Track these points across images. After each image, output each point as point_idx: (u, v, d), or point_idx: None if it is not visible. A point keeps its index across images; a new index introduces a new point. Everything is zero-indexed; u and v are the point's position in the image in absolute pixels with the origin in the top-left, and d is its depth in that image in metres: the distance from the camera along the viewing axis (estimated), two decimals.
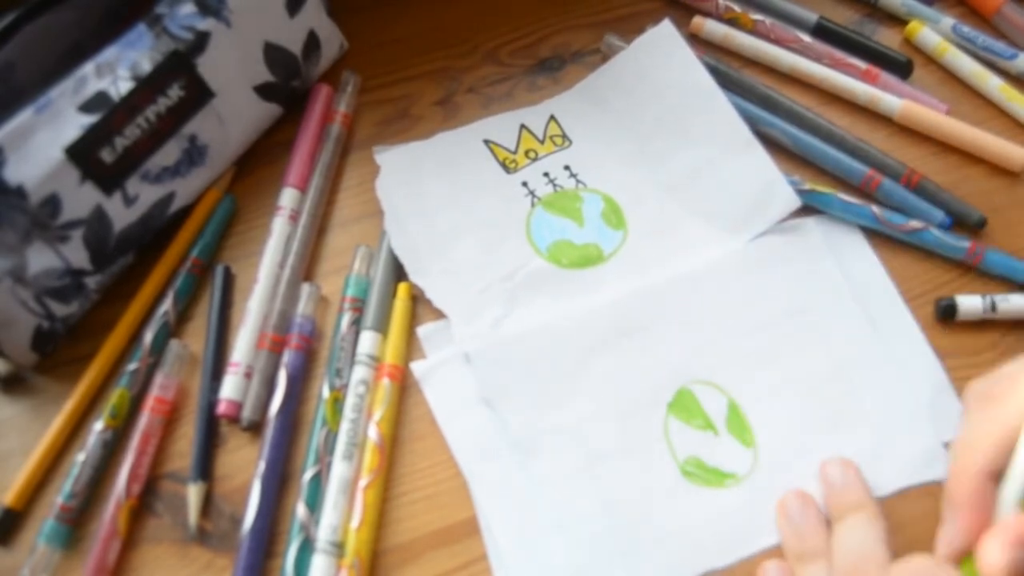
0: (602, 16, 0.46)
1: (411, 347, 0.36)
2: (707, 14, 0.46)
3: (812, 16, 0.45)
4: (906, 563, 0.27)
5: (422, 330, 0.36)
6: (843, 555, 0.29)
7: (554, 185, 0.40)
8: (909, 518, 0.31)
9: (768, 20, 0.45)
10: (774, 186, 0.38)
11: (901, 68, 0.43)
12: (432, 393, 0.34)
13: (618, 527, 0.31)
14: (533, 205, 0.39)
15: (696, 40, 0.45)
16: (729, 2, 0.45)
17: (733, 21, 0.45)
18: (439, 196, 0.39)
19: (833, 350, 0.35)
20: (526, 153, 0.41)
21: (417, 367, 0.35)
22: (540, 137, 0.41)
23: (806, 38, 0.44)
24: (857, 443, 0.33)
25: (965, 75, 0.43)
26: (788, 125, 0.40)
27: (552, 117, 0.42)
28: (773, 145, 0.40)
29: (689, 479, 0.32)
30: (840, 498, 0.30)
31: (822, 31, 0.45)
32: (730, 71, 0.42)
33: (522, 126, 0.42)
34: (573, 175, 0.40)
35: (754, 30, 0.45)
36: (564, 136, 0.41)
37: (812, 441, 0.33)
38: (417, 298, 0.37)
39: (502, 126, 0.42)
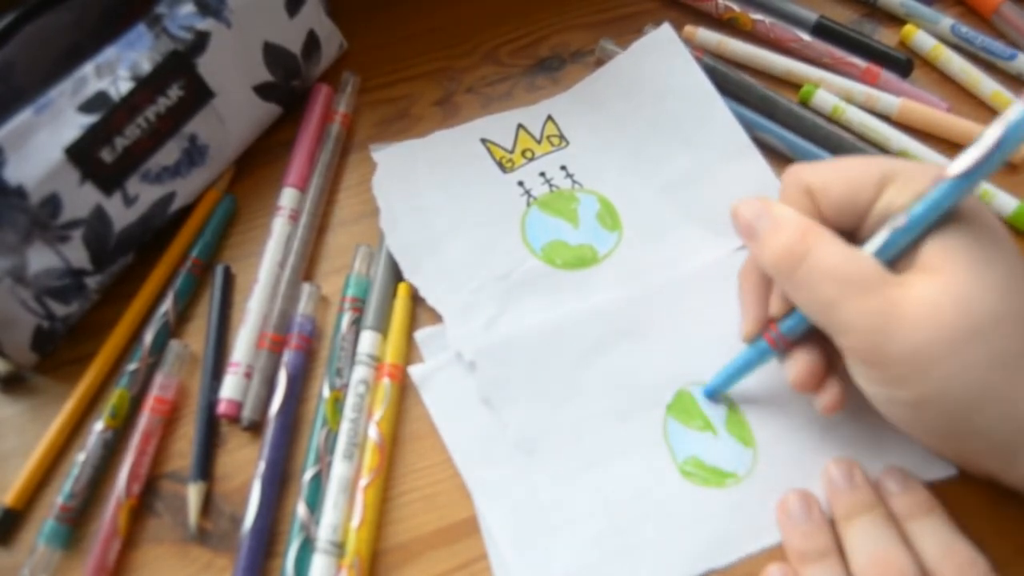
0: (601, 16, 0.46)
1: (411, 347, 0.36)
2: (706, 14, 0.46)
3: (812, 15, 0.45)
4: (952, 558, 0.27)
5: (419, 334, 0.36)
6: (863, 556, 0.28)
7: (550, 185, 0.40)
8: None
9: (767, 20, 0.45)
10: (770, 191, 0.38)
11: (901, 67, 0.43)
12: (430, 397, 0.34)
13: (617, 527, 0.31)
14: (528, 205, 0.39)
15: (689, 46, 0.45)
16: (728, 2, 0.45)
17: (732, 21, 0.45)
18: (435, 194, 0.39)
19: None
20: (523, 153, 0.41)
21: (415, 371, 0.35)
22: (537, 137, 0.41)
23: (806, 37, 0.44)
24: (856, 442, 0.33)
25: (961, 79, 0.43)
26: (784, 130, 0.40)
27: (550, 117, 0.42)
28: (769, 150, 0.40)
29: (689, 479, 0.32)
30: (848, 498, 0.30)
31: (822, 30, 0.45)
32: (728, 71, 0.42)
33: (519, 126, 0.42)
34: (569, 175, 0.40)
35: (753, 30, 0.45)
36: (561, 136, 0.41)
37: (812, 440, 0.33)
38: (417, 298, 0.37)
39: (499, 125, 0.42)
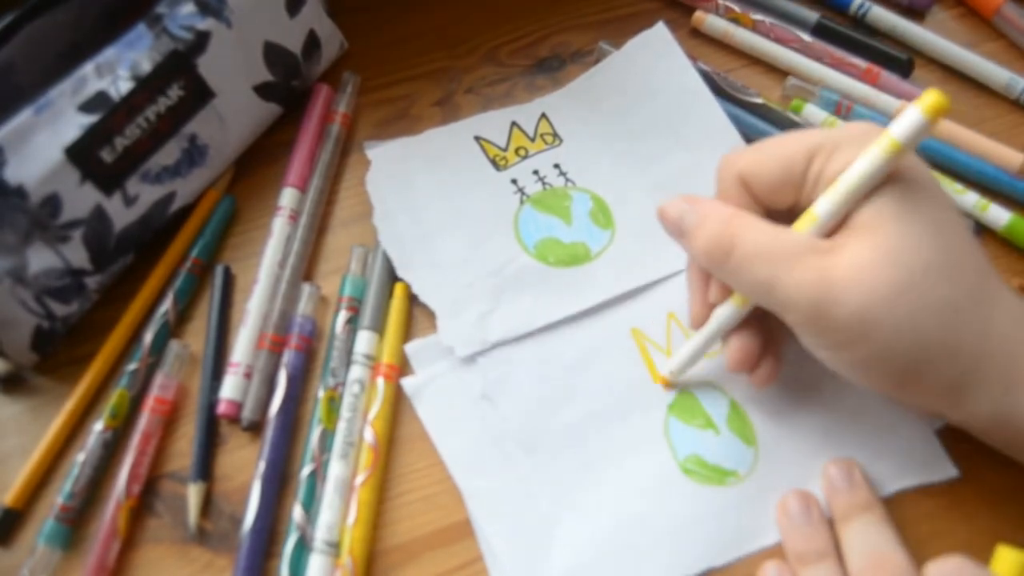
0: (602, 16, 0.46)
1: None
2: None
3: (812, 16, 0.45)
4: (941, 563, 0.27)
5: (410, 347, 0.35)
6: (859, 556, 0.29)
7: (543, 183, 0.40)
8: (909, 519, 0.31)
9: (768, 20, 0.45)
10: None
11: (902, 67, 0.43)
12: (423, 409, 0.34)
13: (618, 525, 0.31)
14: (522, 202, 0.39)
15: (697, 35, 0.45)
16: (729, 2, 0.45)
17: (733, 21, 0.45)
18: (428, 191, 0.39)
19: None
20: (516, 151, 0.41)
21: (407, 383, 0.34)
22: (531, 135, 0.41)
23: (806, 37, 0.44)
24: (858, 442, 0.33)
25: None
26: (779, 133, 0.40)
27: (543, 115, 0.42)
28: None
29: (690, 477, 0.32)
30: (846, 499, 0.30)
31: (822, 30, 0.45)
32: (727, 77, 0.42)
33: (513, 124, 0.42)
34: (563, 173, 0.40)
35: (754, 30, 0.45)
36: (555, 135, 0.41)
37: (813, 440, 0.33)
38: (414, 298, 0.36)
39: (493, 123, 0.42)
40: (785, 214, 0.30)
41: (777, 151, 0.29)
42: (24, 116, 0.31)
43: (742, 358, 0.31)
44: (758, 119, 0.41)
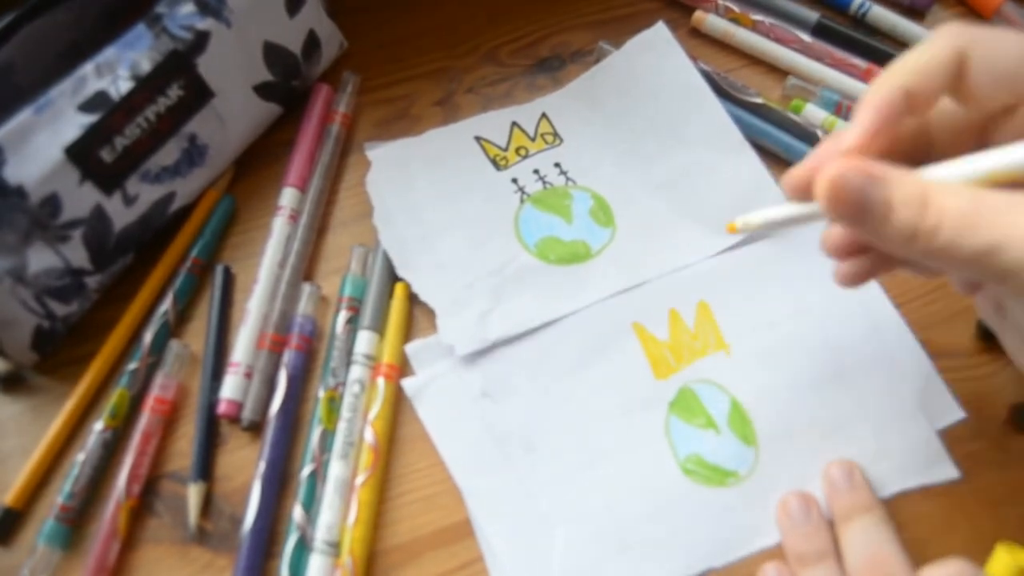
0: (602, 16, 0.46)
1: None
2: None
3: (812, 16, 0.45)
4: (940, 566, 0.27)
5: (410, 347, 0.35)
6: (858, 557, 0.29)
7: (544, 182, 0.40)
8: (910, 520, 0.31)
9: (768, 20, 0.45)
10: (764, 188, 0.38)
11: None
12: (424, 409, 0.34)
13: (617, 525, 0.31)
14: (522, 202, 0.39)
15: (697, 35, 0.45)
16: (729, 2, 0.45)
17: (733, 21, 0.45)
18: (428, 191, 0.39)
19: (834, 349, 0.35)
20: (517, 150, 0.41)
21: (408, 384, 0.34)
22: (531, 135, 0.41)
23: (806, 37, 0.44)
24: (859, 444, 0.33)
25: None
26: (780, 133, 0.40)
27: (544, 115, 0.42)
28: (765, 153, 0.40)
29: (690, 477, 0.32)
30: (846, 500, 0.30)
31: (822, 30, 0.45)
32: (727, 77, 0.42)
33: (513, 123, 0.42)
34: (563, 173, 0.40)
35: (754, 30, 0.45)
36: (555, 134, 0.41)
37: (814, 441, 0.33)
38: (414, 298, 0.36)
39: (493, 123, 0.42)
40: (949, 140, 0.25)
41: None
42: (24, 116, 0.31)
43: (842, 239, 0.27)
44: (758, 119, 0.41)
